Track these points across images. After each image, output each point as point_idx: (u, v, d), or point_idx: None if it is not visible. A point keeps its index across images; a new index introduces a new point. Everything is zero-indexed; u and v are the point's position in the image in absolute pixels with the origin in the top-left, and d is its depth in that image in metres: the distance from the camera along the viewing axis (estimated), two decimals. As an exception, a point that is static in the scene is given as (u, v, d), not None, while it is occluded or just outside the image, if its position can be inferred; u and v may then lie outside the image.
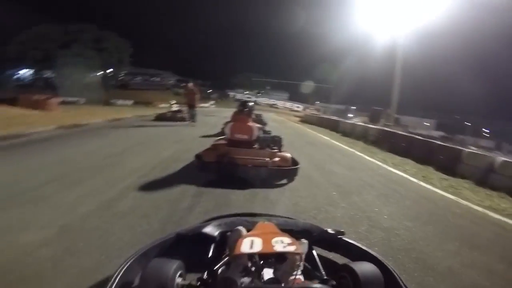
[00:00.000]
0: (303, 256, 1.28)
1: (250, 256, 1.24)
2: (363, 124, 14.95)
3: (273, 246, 1.21)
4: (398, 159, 7.24)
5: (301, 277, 1.12)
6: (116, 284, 1.13)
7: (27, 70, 34.89)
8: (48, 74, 34.31)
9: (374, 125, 14.01)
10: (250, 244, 1.22)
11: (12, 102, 12.57)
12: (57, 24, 31.89)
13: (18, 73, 35.64)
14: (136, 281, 1.31)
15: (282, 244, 1.23)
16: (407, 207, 3.59)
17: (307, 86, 49.94)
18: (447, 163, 6.20)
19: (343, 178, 4.67)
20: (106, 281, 1.18)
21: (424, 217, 3.31)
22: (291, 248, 1.20)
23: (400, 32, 16.02)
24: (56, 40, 30.78)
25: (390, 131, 10.22)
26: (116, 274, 1.18)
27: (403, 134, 9.33)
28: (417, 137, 8.51)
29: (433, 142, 7.30)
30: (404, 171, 5.83)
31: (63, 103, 15.56)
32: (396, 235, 2.67)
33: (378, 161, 6.76)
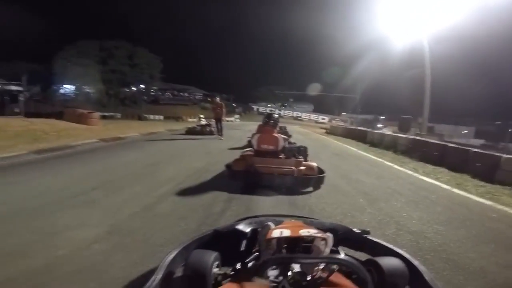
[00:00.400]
0: (329, 243, 1.39)
1: (279, 248, 1.39)
2: (392, 133, 14.49)
3: (300, 234, 1.36)
4: (430, 168, 6.96)
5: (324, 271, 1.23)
6: (161, 273, 1.33)
7: (70, 85, 37.46)
8: (87, 89, 36.70)
9: (404, 135, 13.53)
10: (279, 232, 1.38)
11: (59, 116, 13.92)
12: (93, 40, 33.78)
13: (63, 88, 38.46)
14: (178, 272, 1.51)
15: (308, 233, 1.37)
16: (438, 212, 3.49)
17: (314, 88, 48.87)
18: (484, 170, 5.87)
19: (371, 187, 4.63)
20: (151, 272, 1.38)
21: (457, 221, 3.21)
22: (318, 234, 1.33)
23: (425, 36, 15.51)
24: (94, 56, 32.70)
25: (422, 140, 9.83)
26: (161, 264, 1.39)
27: (435, 143, 8.94)
28: (450, 145, 8.11)
29: (469, 149, 6.94)
30: (436, 179, 5.60)
31: (102, 117, 16.83)
32: (425, 237, 2.65)
33: (409, 170, 6.56)
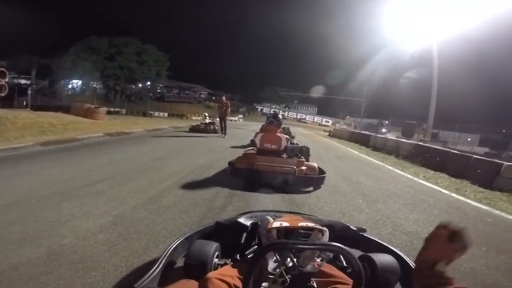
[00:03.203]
0: (326, 236, 1.46)
1: (279, 238, 1.46)
2: (395, 138, 14.46)
3: (299, 225, 1.43)
4: (431, 173, 7.00)
5: (321, 262, 1.23)
6: (164, 262, 1.41)
7: (78, 80, 37.67)
8: (95, 84, 36.88)
9: (408, 140, 13.49)
10: (279, 224, 1.46)
11: (66, 110, 14.14)
12: (104, 36, 33.73)
13: (71, 83, 38.70)
14: (179, 261, 1.58)
15: (306, 225, 1.44)
16: (435, 215, 3.54)
17: (318, 90, 48.51)
18: (484, 177, 5.93)
19: (370, 188, 4.68)
20: (153, 261, 1.44)
21: None
22: (316, 226, 1.40)
23: (434, 41, 15.44)
24: (103, 52, 32.60)
25: (424, 146, 9.83)
26: (164, 253, 1.46)
27: (438, 149, 8.95)
28: (452, 151, 8.13)
29: (470, 156, 6.96)
30: (436, 184, 5.64)
31: (108, 112, 17.02)
32: (420, 238, 2.68)
33: (409, 174, 6.60)
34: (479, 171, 6.19)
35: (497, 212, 4.07)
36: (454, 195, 4.87)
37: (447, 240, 0.87)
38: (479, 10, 14.02)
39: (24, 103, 17.83)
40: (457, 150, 9.32)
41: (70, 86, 38.43)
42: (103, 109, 14.59)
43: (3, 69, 12.14)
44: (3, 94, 11.91)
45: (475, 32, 15.12)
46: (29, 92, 19.72)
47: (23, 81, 30.07)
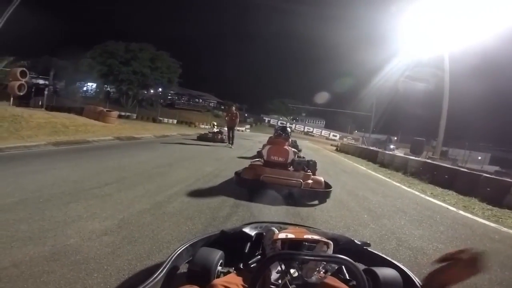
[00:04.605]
0: (330, 249, 1.46)
1: (284, 249, 1.47)
2: (403, 155, 14.28)
3: (304, 237, 1.44)
4: (439, 190, 6.90)
5: (325, 274, 1.25)
6: (167, 267, 1.43)
7: (93, 83, 38.36)
8: (109, 88, 37.70)
9: (416, 157, 13.30)
10: (285, 235, 1.47)
11: (79, 111, 14.44)
12: (121, 41, 34.77)
13: (86, 85, 39.55)
14: (182, 267, 1.59)
15: (312, 237, 1.45)
16: (441, 231, 3.50)
17: (324, 98, 47.86)
18: (493, 195, 5.84)
19: (376, 204, 4.63)
20: (156, 266, 1.46)
21: (458, 240, 3.22)
22: (321, 239, 1.41)
23: (446, 54, 15.23)
24: (119, 56, 33.44)
25: (432, 163, 9.71)
26: (169, 259, 1.48)
27: (446, 166, 8.82)
28: (461, 169, 8.02)
29: (479, 174, 6.86)
30: (443, 201, 5.57)
31: (119, 116, 17.29)
32: (424, 254, 2.67)
33: (416, 191, 6.51)
34: (488, 189, 6.10)
35: (505, 229, 4.02)
36: (461, 212, 4.82)
37: (465, 265, 0.88)
38: (491, 22, 13.82)
39: (40, 103, 18.34)
40: (466, 169, 9.16)
41: (84, 88, 39.38)
42: (115, 113, 14.81)
43: (24, 68, 12.67)
44: (21, 93, 12.31)
45: (487, 45, 14.91)
46: (45, 92, 20.27)
47: (41, 81, 31.10)
